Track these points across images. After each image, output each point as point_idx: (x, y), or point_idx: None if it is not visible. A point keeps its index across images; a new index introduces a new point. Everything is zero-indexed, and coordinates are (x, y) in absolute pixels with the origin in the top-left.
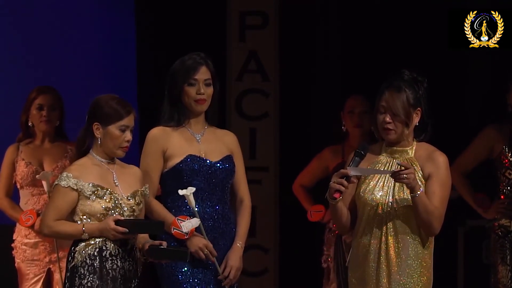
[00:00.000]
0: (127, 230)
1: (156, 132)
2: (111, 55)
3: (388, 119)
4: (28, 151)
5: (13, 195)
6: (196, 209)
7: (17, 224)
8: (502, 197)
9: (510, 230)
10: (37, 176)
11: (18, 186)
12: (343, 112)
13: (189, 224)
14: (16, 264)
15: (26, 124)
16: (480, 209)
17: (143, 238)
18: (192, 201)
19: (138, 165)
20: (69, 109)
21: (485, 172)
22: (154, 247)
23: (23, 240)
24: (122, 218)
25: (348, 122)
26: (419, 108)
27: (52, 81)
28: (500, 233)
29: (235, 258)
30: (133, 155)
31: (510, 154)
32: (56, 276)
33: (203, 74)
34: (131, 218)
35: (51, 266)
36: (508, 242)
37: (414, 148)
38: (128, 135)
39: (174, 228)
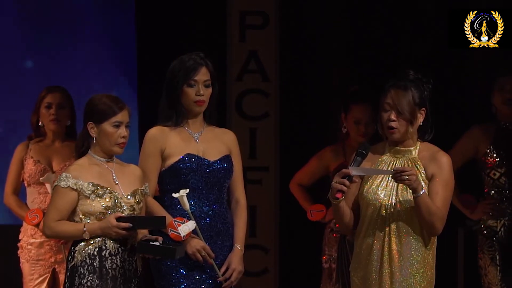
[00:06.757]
0: (130, 225)
1: (154, 132)
2: (111, 55)
3: (393, 116)
4: (38, 149)
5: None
6: (190, 210)
7: (24, 224)
8: (487, 198)
9: (497, 231)
10: (40, 179)
11: (26, 184)
12: (344, 115)
13: (186, 228)
14: (20, 264)
15: (37, 124)
16: (466, 210)
17: (142, 234)
18: (186, 203)
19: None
20: None
21: (470, 172)
22: (142, 243)
23: (29, 240)
24: (123, 215)
25: (353, 131)
26: (423, 108)
27: (52, 81)
28: (487, 234)
29: (237, 261)
30: (133, 155)
31: (495, 154)
32: (62, 277)
33: (203, 75)
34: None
35: (56, 266)
36: (497, 243)
37: (417, 148)
38: (122, 131)
39: (171, 230)
